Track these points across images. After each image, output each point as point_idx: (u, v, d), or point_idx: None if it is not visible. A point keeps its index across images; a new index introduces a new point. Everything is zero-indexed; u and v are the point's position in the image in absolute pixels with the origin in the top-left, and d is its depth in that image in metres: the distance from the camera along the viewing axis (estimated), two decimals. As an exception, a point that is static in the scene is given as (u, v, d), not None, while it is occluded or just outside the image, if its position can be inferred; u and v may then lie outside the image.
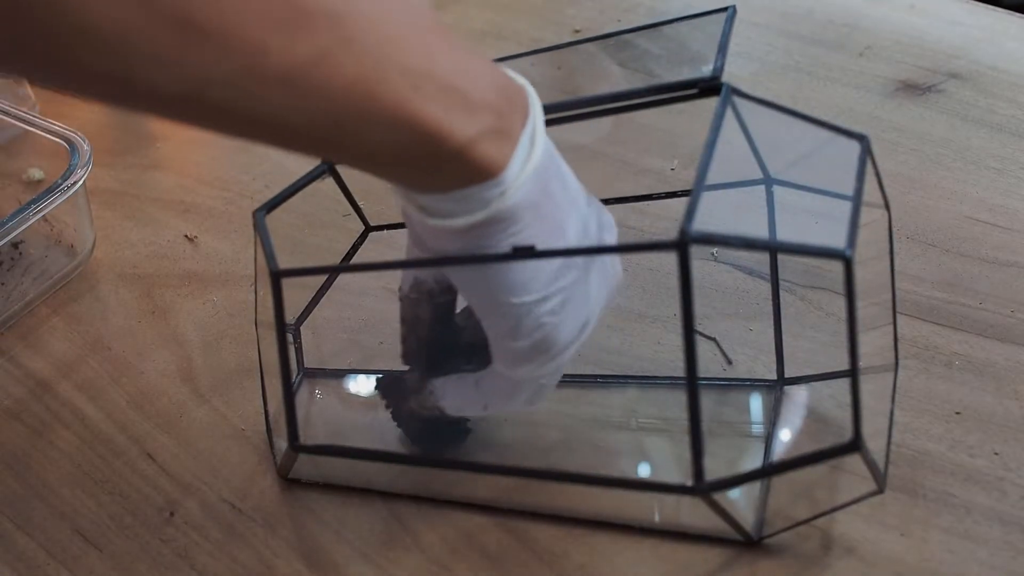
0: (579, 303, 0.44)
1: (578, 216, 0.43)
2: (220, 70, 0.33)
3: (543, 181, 0.41)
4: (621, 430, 0.52)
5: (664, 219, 0.62)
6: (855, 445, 0.40)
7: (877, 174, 0.46)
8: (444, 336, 0.48)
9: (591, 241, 0.45)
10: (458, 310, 0.49)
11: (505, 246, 0.41)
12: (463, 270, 0.43)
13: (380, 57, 0.36)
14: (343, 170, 0.53)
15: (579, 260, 0.43)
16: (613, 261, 0.46)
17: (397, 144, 0.38)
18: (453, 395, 0.48)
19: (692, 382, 0.39)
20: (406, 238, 0.46)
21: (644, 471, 0.50)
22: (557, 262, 0.42)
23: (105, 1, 0.31)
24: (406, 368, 0.50)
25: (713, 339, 0.55)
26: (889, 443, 0.48)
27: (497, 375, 0.46)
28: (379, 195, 0.59)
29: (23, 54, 0.33)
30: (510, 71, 0.42)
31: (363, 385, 0.56)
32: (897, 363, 0.50)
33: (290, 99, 0.35)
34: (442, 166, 0.39)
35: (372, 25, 0.36)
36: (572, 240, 0.43)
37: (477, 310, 0.44)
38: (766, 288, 0.56)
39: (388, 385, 0.50)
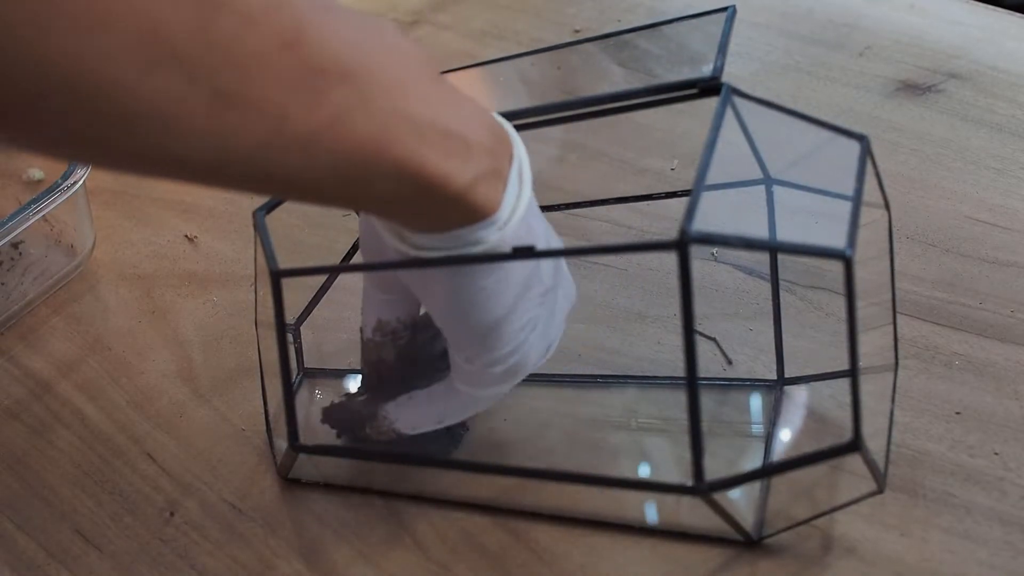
0: (548, 325, 0.44)
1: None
2: (243, 138, 0.33)
3: (528, 218, 0.42)
4: (621, 430, 0.52)
5: (664, 219, 0.62)
6: (855, 445, 0.40)
7: (877, 174, 0.46)
8: (406, 371, 0.49)
9: (563, 273, 0.46)
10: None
11: (495, 281, 0.41)
12: (444, 300, 0.43)
13: (391, 111, 0.36)
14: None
15: (549, 282, 0.44)
16: (571, 283, 0.47)
17: (399, 192, 0.38)
18: (407, 415, 0.48)
19: (692, 382, 0.39)
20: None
21: (644, 471, 0.50)
22: (535, 288, 0.43)
23: (149, 84, 0.30)
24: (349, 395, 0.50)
25: (713, 339, 0.55)
26: (889, 443, 0.48)
27: (455, 391, 0.46)
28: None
29: (57, 140, 0.32)
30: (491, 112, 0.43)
31: (363, 385, 0.55)
32: (897, 363, 0.50)
33: (304, 161, 0.35)
34: (440, 209, 0.39)
35: (383, 78, 0.36)
36: (549, 272, 0.44)
37: (452, 337, 0.44)
38: (766, 288, 0.56)
39: (332, 414, 0.50)
